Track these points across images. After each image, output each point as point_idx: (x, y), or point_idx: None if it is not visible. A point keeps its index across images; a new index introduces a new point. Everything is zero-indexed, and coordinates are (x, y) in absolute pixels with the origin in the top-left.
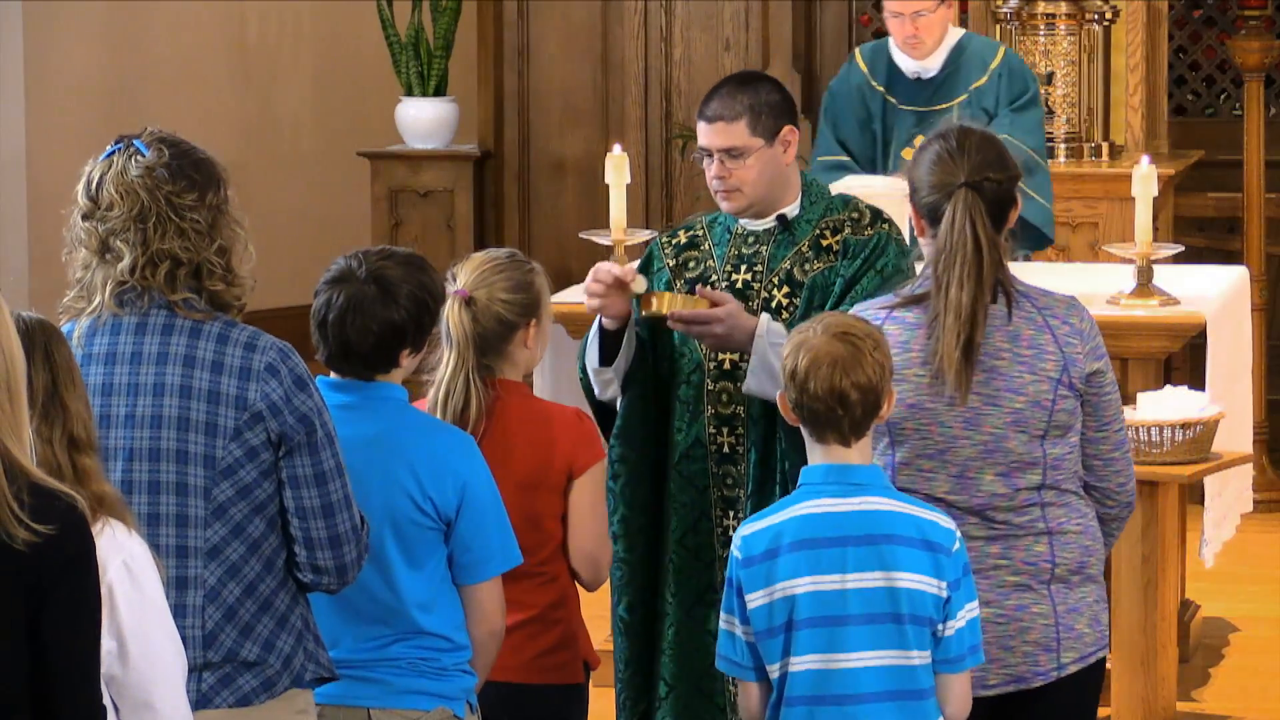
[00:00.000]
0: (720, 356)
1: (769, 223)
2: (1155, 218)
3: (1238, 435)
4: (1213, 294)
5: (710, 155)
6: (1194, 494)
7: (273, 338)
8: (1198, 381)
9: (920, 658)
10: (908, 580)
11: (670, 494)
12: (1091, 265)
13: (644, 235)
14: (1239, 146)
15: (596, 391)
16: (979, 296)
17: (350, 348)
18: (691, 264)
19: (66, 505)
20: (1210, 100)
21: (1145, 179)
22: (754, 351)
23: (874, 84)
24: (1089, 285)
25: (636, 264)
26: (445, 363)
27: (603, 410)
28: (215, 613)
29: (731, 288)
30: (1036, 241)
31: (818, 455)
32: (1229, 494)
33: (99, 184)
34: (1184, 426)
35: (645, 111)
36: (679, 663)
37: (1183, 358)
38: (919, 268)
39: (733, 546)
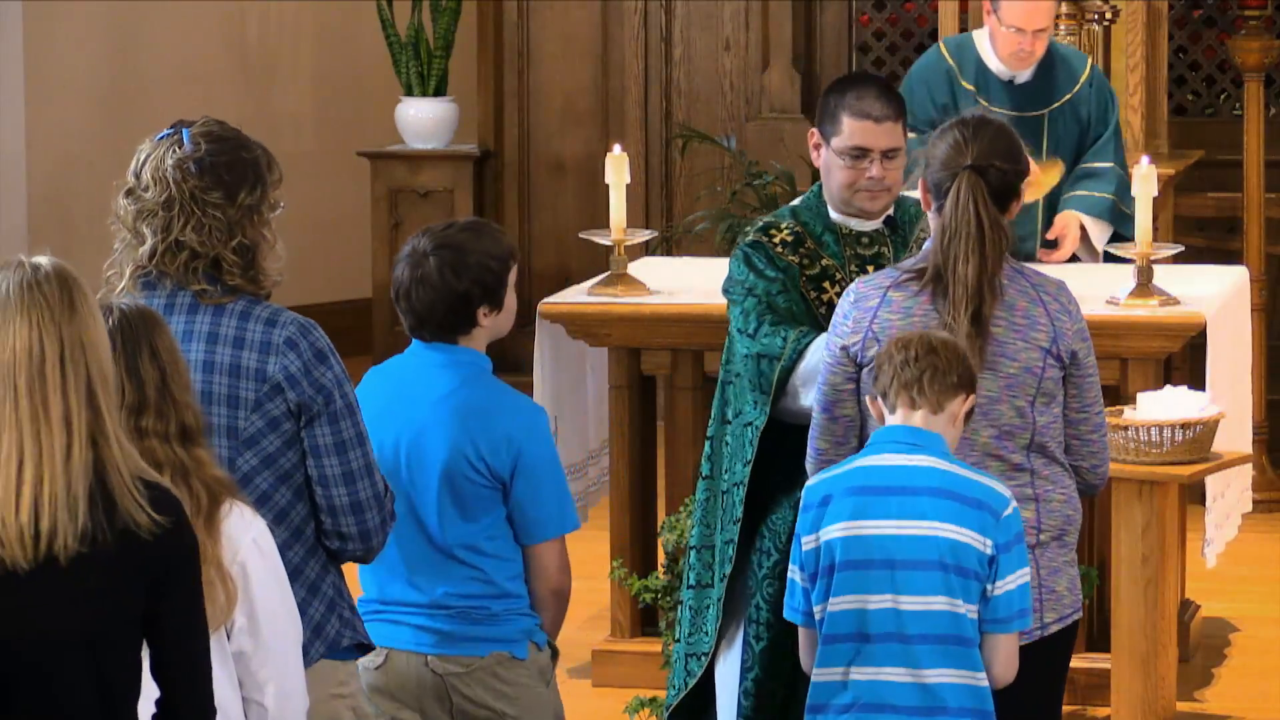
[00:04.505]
0: None
1: (877, 224)
2: (1155, 218)
3: (1238, 435)
4: (1213, 294)
5: (864, 155)
6: (1194, 494)
7: (295, 314)
8: (1198, 381)
9: (966, 608)
10: (948, 531)
11: None
12: (1092, 265)
13: (644, 235)
14: (1239, 146)
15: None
16: (983, 270)
17: (423, 318)
18: (806, 262)
19: (176, 500)
20: (1210, 100)
21: (1145, 179)
22: None
23: (964, 82)
24: (1089, 285)
25: (760, 265)
26: None
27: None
28: None
29: None
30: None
31: (895, 419)
32: (1231, 494)
33: (143, 165)
34: (1184, 426)
35: (645, 111)
36: None
37: (1183, 358)
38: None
39: (802, 496)
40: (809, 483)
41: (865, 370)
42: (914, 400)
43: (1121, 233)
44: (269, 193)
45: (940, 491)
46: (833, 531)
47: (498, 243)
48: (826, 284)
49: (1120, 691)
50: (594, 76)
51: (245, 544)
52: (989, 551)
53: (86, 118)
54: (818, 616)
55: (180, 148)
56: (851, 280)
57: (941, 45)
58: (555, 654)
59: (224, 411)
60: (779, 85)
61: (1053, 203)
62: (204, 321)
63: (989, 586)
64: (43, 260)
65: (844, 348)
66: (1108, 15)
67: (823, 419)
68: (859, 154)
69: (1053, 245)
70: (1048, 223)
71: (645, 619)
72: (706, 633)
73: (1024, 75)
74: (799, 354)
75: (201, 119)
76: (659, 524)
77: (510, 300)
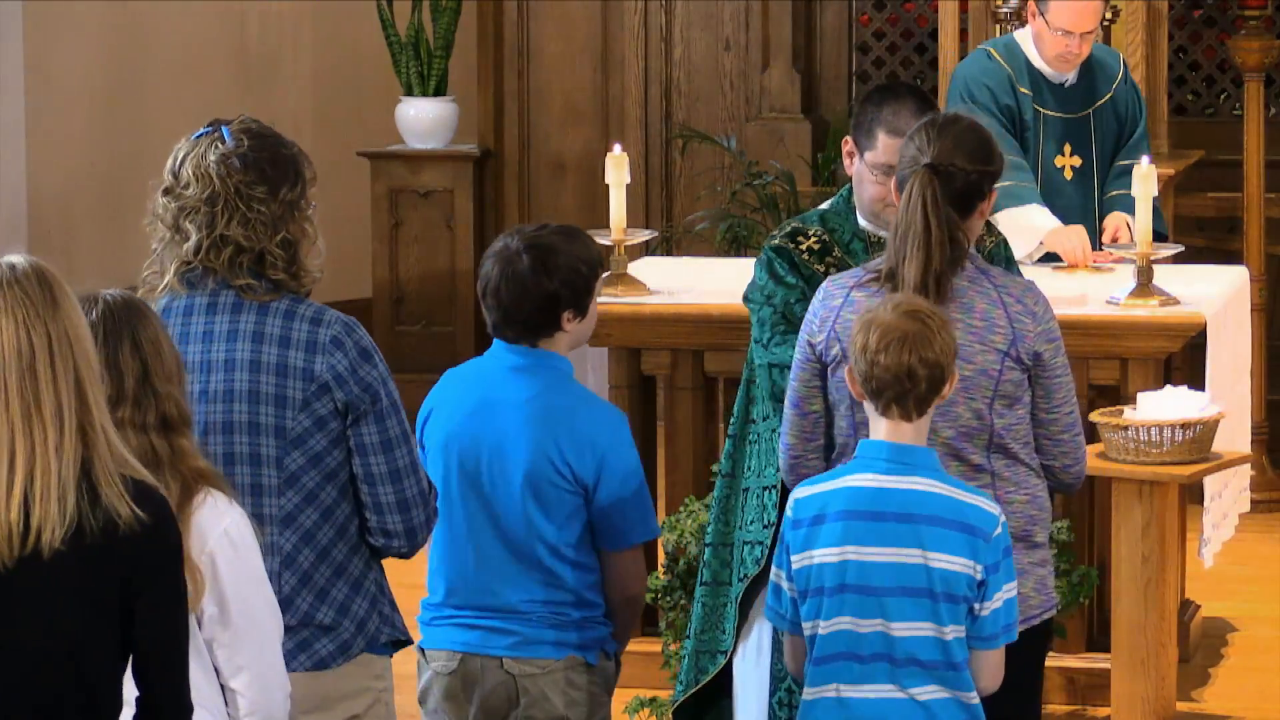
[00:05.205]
0: None
1: None
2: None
3: (1237, 435)
4: (1213, 294)
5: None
6: (1194, 494)
7: (338, 312)
8: (1198, 381)
9: (954, 632)
10: (941, 560)
11: None
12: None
13: (644, 235)
14: (1239, 146)
15: None
16: (927, 270)
17: (509, 315)
18: (834, 271)
19: (161, 497)
20: (1210, 100)
21: (1145, 179)
22: None
23: (1021, 88)
24: (1089, 285)
25: (781, 272)
26: None
27: None
28: (291, 578)
29: None
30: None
31: (880, 430)
32: (1229, 494)
33: (182, 162)
34: (1184, 426)
35: (645, 111)
36: None
37: (1183, 358)
38: None
39: (787, 506)
40: (798, 495)
41: (830, 367)
42: (909, 415)
43: (1157, 228)
44: (308, 189)
45: (933, 519)
46: (825, 555)
47: (588, 248)
48: None
49: (1120, 691)
50: (594, 76)
51: (215, 534)
52: (979, 576)
53: (86, 117)
54: (807, 633)
55: (222, 144)
56: None
57: (992, 50)
58: (619, 666)
59: (271, 410)
60: (779, 85)
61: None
62: (249, 320)
63: (977, 606)
64: (16, 258)
65: (811, 344)
66: (1108, 15)
67: (792, 414)
68: (891, 171)
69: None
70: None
71: (645, 619)
72: (724, 631)
73: (1071, 77)
74: None
75: (239, 117)
76: (659, 524)
77: (594, 309)
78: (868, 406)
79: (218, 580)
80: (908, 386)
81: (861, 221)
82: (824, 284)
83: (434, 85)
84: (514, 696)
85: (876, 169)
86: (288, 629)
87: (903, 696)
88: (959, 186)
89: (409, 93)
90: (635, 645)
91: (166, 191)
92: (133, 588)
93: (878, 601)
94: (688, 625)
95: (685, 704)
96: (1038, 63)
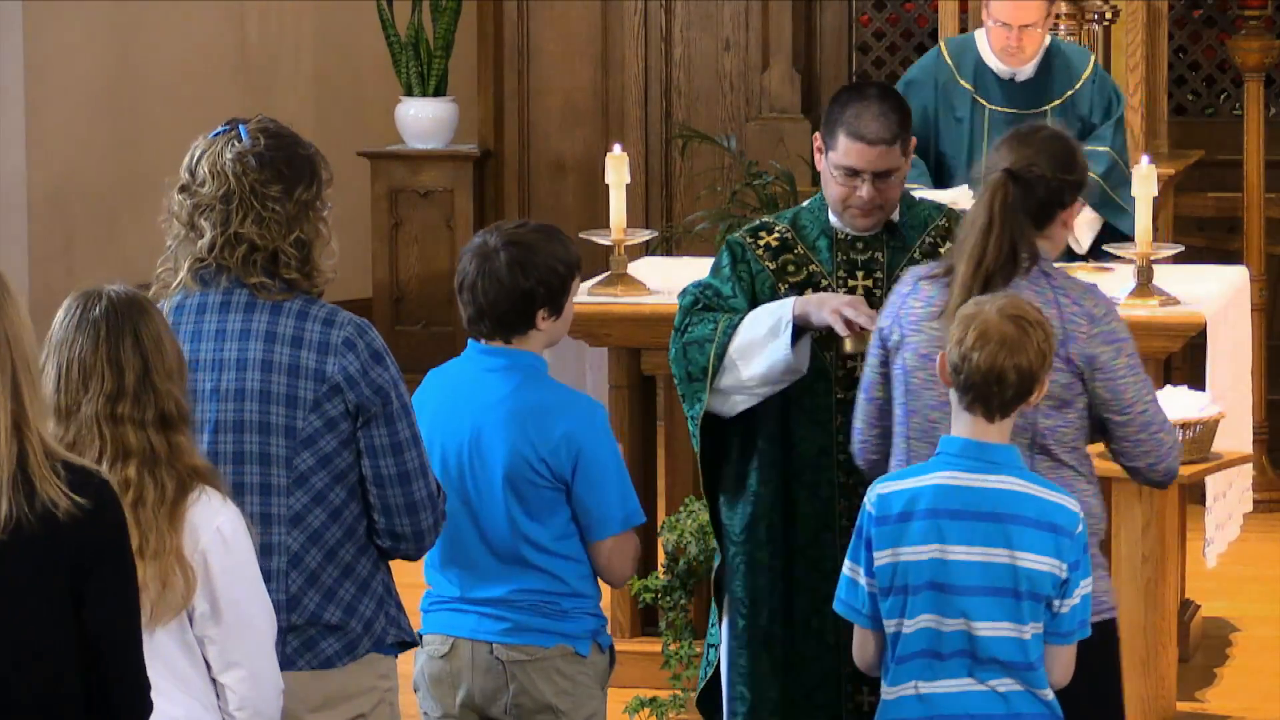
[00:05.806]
0: (850, 364)
1: (877, 228)
2: (1155, 218)
3: (1238, 435)
4: (1213, 294)
5: (856, 175)
6: (1194, 494)
7: (350, 314)
8: (1198, 381)
9: (1033, 629)
10: (1029, 560)
11: (795, 502)
12: (1092, 266)
13: (644, 235)
14: (1239, 146)
15: (749, 387)
16: (977, 269)
17: (484, 311)
18: (791, 268)
19: (100, 481)
20: (1210, 100)
21: (1145, 179)
22: None
23: (962, 82)
24: None
25: (723, 264)
26: None
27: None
28: (298, 578)
29: (850, 294)
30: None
31: (961, 425)
32: (1233, 494)
33: (198, 160)
34: (1184, 426)
35: (645, 111)
36: (791, 674)
37: (1183, 358)
38: None
39: (866, 500)
40: (881, 490)
41: (892, 353)
42: (991, 416)
43: (1110, 221)
44: (323, 190)
45: (1021, 519)
46: (914, 554)
47: (566, 248)
48: (810, 291)
49: None
50: (594, 76)
51: (209, 532)
52: (1063, 575)
53: (86, 118)
54: (890, 631)
55: (238, 142)
56: (838, 286)
57: (942, 45)
58: (613, 660)
59: (282, 411)
60: (779, 85)
61: None
62: (261, 320)
63: (1057, 603)
64: None
65: (880, 329)
66: (1108, 15)
67: (861, 399)
68: (851, 173)
69: None
70: None
71: (645, 619)
72: (715, 625)
73: (1025, 73)
74: (734, 329)
75: (257, 116)
76: (659, 524)
77: (569, 310)
78: (953, 396)
79: (209, 578)
80: (994, 390)
81: (831, 217)
82: (905, 272)
83: (434, 85)
84: (503, 683)
85: (838, 169)
86: (294, 628)
87: (983, 689)
88: (1040, 194)
89: (409, 93)
90: (635, 645)
91: (182, 189)
92: (80, 573)
93: (962, 600)
94: (687, 625)
95: (704, 696)
96: (989, 58)
